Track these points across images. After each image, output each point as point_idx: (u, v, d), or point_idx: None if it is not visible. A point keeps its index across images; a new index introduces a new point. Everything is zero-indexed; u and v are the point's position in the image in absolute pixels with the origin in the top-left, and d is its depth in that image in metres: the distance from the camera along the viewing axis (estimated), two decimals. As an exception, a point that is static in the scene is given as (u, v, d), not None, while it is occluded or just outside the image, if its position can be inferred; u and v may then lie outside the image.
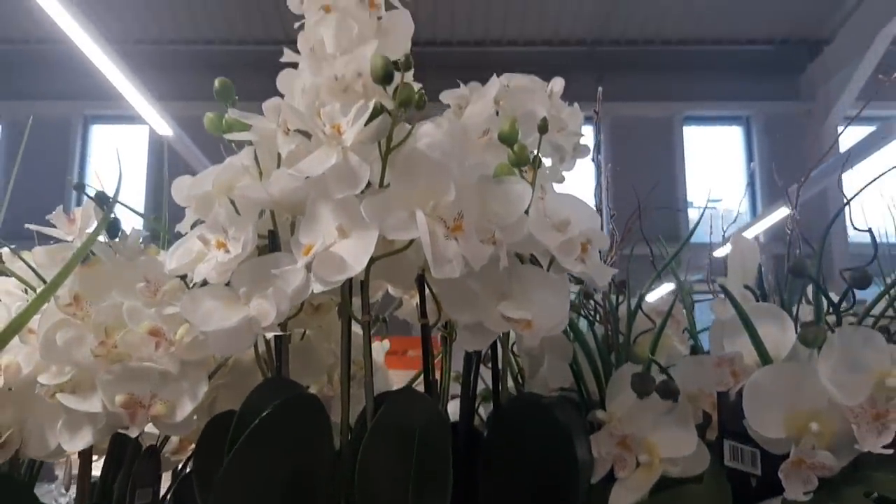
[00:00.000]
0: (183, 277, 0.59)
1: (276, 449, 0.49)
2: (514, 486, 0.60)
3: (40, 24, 3.71)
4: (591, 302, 0.72)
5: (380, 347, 0.81)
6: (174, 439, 0.65)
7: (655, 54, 6.56)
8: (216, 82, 0.64)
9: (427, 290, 0.64)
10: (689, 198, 6.67)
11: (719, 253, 0.82)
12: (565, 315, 0.57)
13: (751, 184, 6.59)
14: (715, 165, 6.76)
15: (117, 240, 0.60)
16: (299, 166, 0.55)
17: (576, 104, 0.77)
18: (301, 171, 0.55)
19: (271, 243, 0.59)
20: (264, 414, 0.48)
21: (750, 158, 6.83)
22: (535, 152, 0.60)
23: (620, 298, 0.72)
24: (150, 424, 0.53)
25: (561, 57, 6.15)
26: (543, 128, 0.60)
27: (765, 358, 0.55)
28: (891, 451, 0.50)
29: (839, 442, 0.52)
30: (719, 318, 0.61)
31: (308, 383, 0.66)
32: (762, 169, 6.56)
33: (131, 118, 5.27)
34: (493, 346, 0.64)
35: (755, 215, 6.07)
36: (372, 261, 0.55)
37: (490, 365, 0.64)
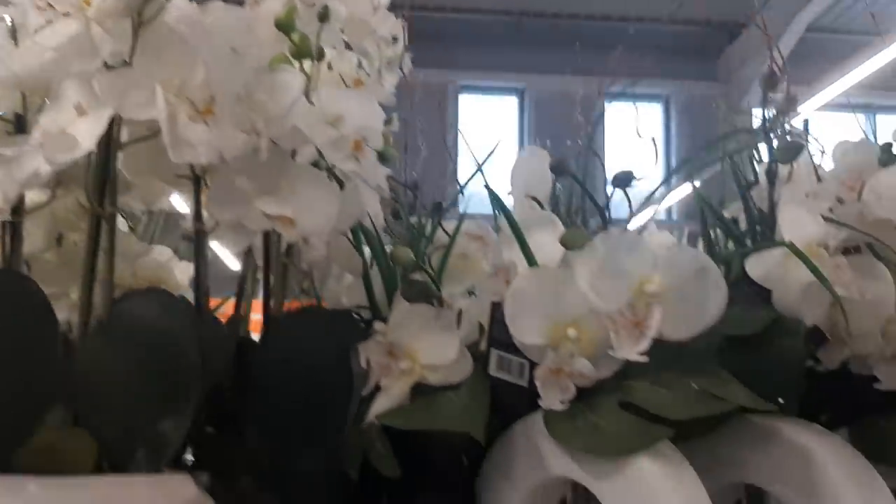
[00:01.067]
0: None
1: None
2: (284, 400, 0.57)
3: None
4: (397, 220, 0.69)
5: (185, 268, 0.76)
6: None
7: (579, 28, 6.57)
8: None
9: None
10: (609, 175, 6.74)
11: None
12: (332, 216, 0.53)
13: (667, 161, 6.71)
14: (635, 143, 6.84)
15: None
16: (36, 38, 0.50)
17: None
18: (38, 42, 0.50)
19: (17, 126, 0.54)
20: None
21: (668, 137, 6.94)
22: (316, 44, 0.56)
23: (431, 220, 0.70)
24: None
25: (485, 27, 6.09)
26: (324, 16, 0.56)
27: (533, 265, 0.53)
28: (645, 359, 0.48)
29: (600, 350, 0.51)
30: (504, 230, 0.59)
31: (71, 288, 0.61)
32: (680, 147, 6.67)
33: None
34: (268, 255, 0.60)
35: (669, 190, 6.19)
36: (119, 146, 0.51)
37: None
